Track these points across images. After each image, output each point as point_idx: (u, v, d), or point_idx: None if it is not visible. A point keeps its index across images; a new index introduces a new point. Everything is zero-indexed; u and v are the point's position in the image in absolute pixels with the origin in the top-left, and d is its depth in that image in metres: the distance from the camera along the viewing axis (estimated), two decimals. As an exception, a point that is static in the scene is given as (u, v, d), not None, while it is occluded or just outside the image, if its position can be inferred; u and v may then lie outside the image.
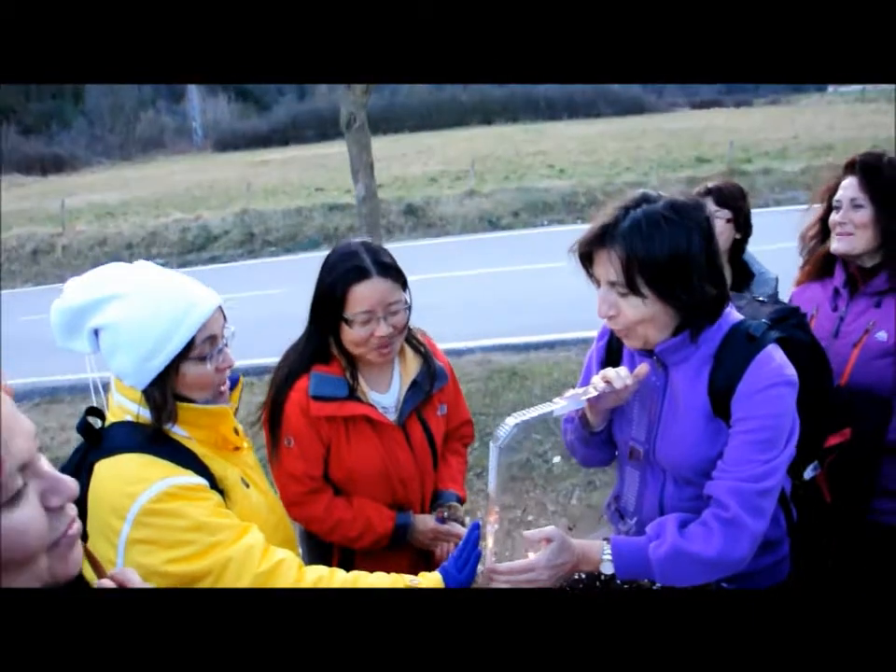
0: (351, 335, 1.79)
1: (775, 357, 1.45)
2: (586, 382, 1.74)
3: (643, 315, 1.45)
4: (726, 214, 2.48)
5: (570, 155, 18.28)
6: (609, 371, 1.52)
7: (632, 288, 1.42)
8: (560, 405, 1.50)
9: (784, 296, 2.48)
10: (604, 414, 1.63)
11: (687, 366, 1.51)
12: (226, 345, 1.50)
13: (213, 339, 1.46)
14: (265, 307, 9.26)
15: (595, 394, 1.50)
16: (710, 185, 2.55)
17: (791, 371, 1.45)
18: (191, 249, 13.82)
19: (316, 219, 14.08)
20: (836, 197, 2.03)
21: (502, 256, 10.71)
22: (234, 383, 1.60)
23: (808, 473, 1.77)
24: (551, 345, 6.92)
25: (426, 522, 1.95)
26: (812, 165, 13.74)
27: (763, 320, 1.54)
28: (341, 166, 17.05)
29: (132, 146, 33.04)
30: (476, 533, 1.54)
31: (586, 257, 1.49)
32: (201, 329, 1.43)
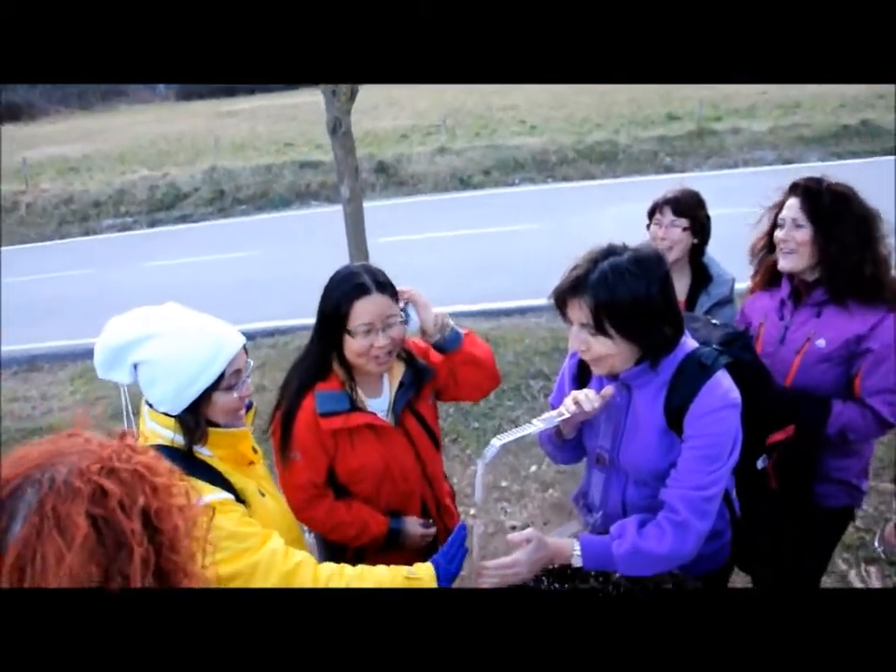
0: (353, 346, 1.99)
1: (722, 384, 1.68)
2: (560, 392, 1.96)
3: (610, 351, 1.68)
4: (683, 222, 2.67)
5: (541, 110, 18.23)
6: (579, 395, 1.74)
7: (600, 330, 1.65)
8: (538, 426, 1.72)
9: (741, 279, 2.69)
10: (574, 426, 1.87)
11: (647, 389, 1.74)
12: (248, 377, 1.72)
13: (238, 372, 1.68)
14: (239, 270, 9.29)
15: (567, 416, 1.74)
16: (669, 195, 2.73)
17: (735, 395, 1.68)
18: (160, 208, 13.67)
19: (287, 177, 13.97)
20: (781, 215, 2.24)
21: (473, 216, 10.80)
22: (248, 407, 1.80)
23: (760, 464, 2.02)
24: (522, 311, 7.09)
25: (415, 526, 2.19)
26: (779, 125, 13.92)
27: (714, 346, 1.76)
28: (310, 118, 16.82)
29: (91, 94, 32.00)
30: (463, 532, 1.76)
31: (561, 302, 1.68)
32: (230, 363, 1.65)
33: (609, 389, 1.75)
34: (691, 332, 1.80)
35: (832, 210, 2.13)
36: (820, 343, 2.16)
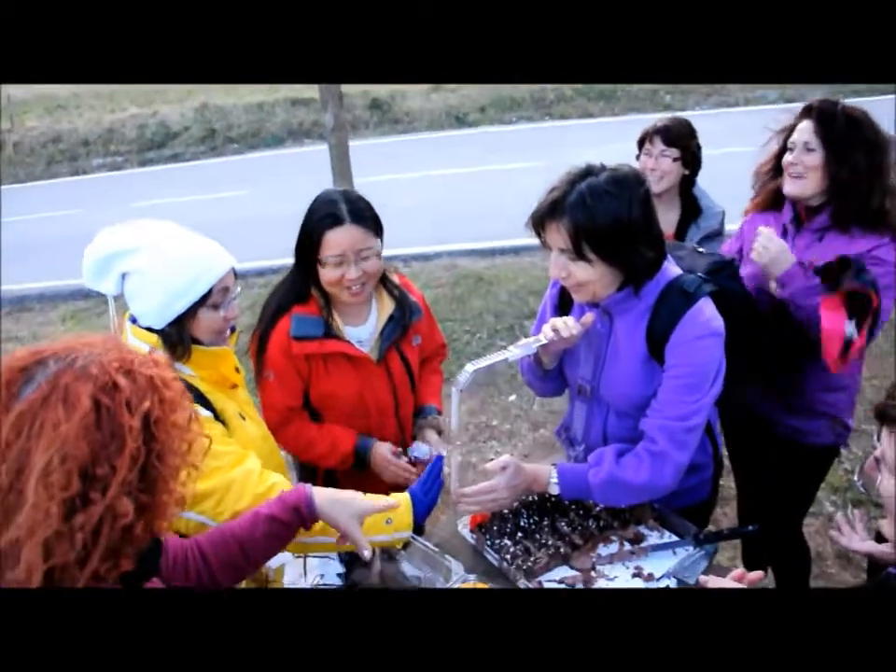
0: (325, 276, 1.96)
1: (705, 311, 1.63)
2: (541, 322, 1.91)
3: (590, 276, 1.62)
4: (674, 153, 2.59)
5: (540, 44, 17.75)
6: (558, 321, 1.70)
7: (579, 254, 1.58)
8: (514, 353, 1.68)
9: (730, 222, 2.63)
10: (555, 355, 1.82)
11: (629, 316, 1.69)
12: (234, 299, 1.70)
13: (226, 290, 1.67)
14: (231, 209, 9.15)
15: (545, 342, 1.70)
16: (659, 124, 2.64)
17: (718, 323, 1.63)
18: (150, 147, 13.38)
19: (279, 115, 13.67)
20: (791, 139, 2.14)
21: (469, 155, 10.59)
22: (231, 330, 1.79)
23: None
24: (516, 251, 7.03)
25: (383, 451, 2.11)
26: (783, 60, 13.56)
27: (699, 274, 1.70)
28: (302, 55, 16.34)
29: (78, 28, 31.10)
30: (440, 464, 1.74)
31: (539, 226, 1.62)
32: (218, 280, 1.63)
33: (589, 316, 1.71)
34: (676, 261, 1.75)
35: (846, 134, 2.04)
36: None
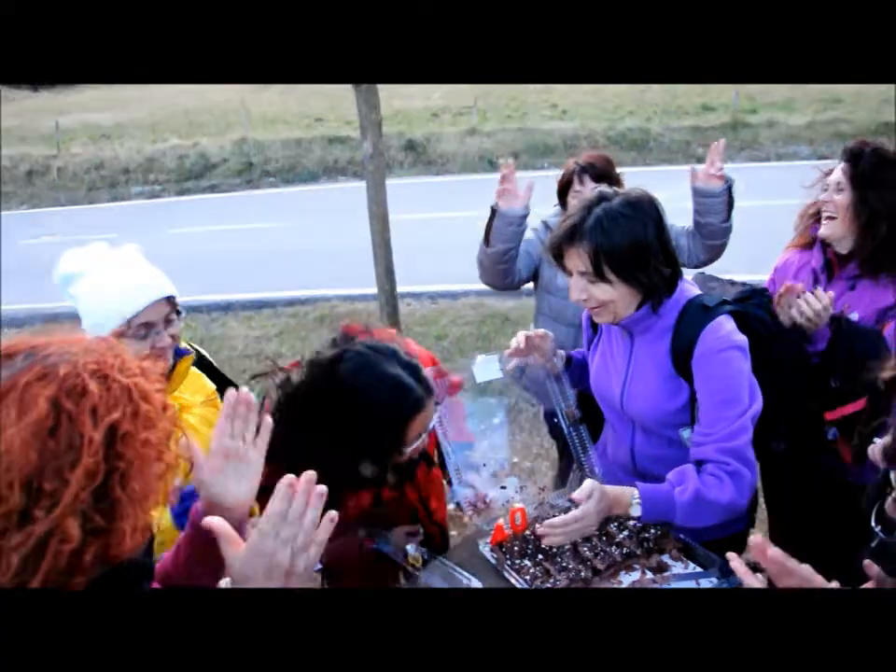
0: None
1: (724, 326, 1.68)
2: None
3: (610, 297, 1.68)
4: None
5: (574, 94, 18.02)
6: (520, 334, 1.89)
7: (599, 276, 1.65)
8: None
9: (762, 273, 2.62)
10: (544, 369, 1.96)
11: (649, 334, 1.75)
12: (163, 331, 1.72)
13: (147, 325, 1.70)
14: (264, 240, 9.31)
15: (509, 351, 1.88)
16: (582, 162, 2.79)
17: (739, 337, 1.67)
18: (189, 177, 13.75)
19: (316, 152, 14.00)
20: (827, 179, 2.17)
21: (501, 198, 10.69)
22: (184, 354, 1.84)
23: (831, 436, 2.01)
24: (543, 292, 7.07)
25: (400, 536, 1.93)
26: (817, 120, 13.63)
27: (723, 296, 1.75)
28: (341, 94, 16.83)
29: (127, 63, 32.14)
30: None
31: (557, 252, 1.68)
32: (135, 314, 1.68)
33: (540, 331, 1.91)
34: (708, 289, 1.77)
35: (872, 173, 2.05)
36: (854, 315, 2.09)
